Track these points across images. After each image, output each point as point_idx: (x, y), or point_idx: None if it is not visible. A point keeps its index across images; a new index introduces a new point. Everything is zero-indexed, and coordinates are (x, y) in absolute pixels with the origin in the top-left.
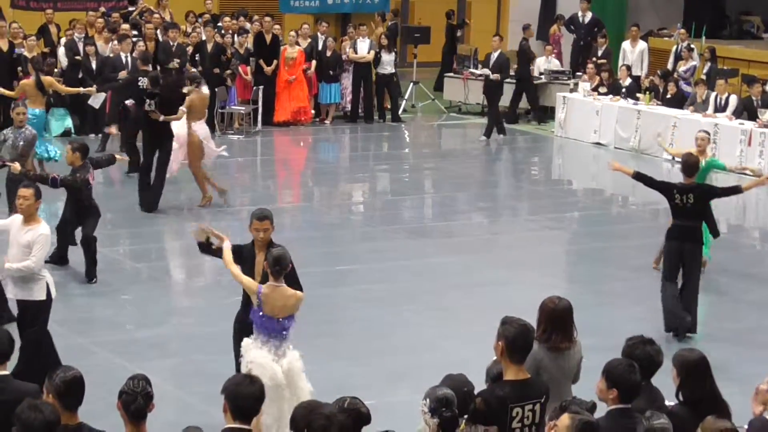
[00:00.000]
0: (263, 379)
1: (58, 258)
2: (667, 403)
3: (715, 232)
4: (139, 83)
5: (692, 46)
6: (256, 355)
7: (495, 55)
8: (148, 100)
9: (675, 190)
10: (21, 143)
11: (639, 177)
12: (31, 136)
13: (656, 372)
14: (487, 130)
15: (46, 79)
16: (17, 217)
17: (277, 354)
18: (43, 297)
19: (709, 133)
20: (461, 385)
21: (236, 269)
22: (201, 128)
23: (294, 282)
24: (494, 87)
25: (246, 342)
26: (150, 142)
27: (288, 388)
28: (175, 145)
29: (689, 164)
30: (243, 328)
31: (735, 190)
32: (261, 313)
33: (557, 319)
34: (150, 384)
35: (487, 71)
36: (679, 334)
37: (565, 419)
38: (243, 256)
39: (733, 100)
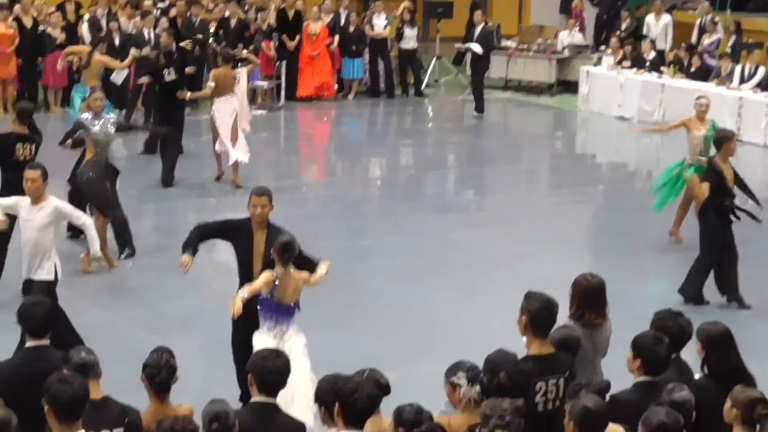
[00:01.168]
0: None
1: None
2: (696, 376)
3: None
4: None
5: (716, 19)
6: (259, 343)
7: (479, 29)
8: (167, 70)
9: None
10: (112, 130)
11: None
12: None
13: (685, 344)
14: (478, 106)
15: (98, 59)
16: (23, 200)
17: (282, 339)
18: (52, 277)
19: (709, 100)
20: (502, 362)
21: (251, 287)
22: (227, 105)
23: (308, 262)
24: (481, 61)
25: (255, 334)
26: (161, 116)
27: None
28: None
29: (717, 139)
30: (242, 331)
31: (755, 200)
32: (272, 300)
33: (591, 296)
34: (173, 357)
35: (473, 45)
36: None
37: (567, 405)
38: (239, 236)
39: (762, 71)
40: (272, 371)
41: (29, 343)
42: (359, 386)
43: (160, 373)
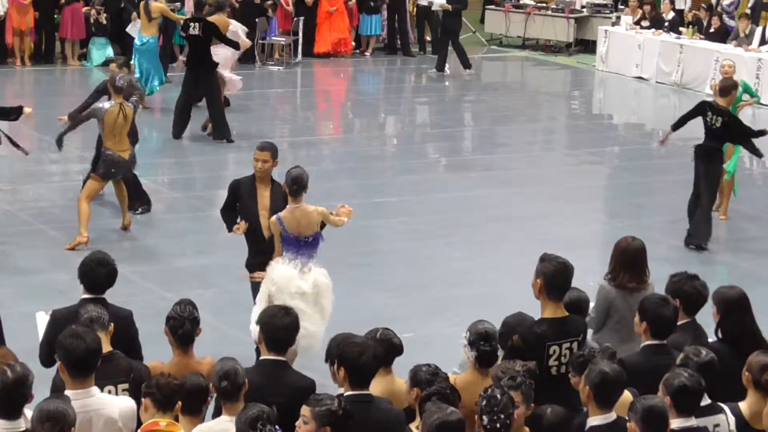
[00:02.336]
0: (287, 291)
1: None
2: (710, 340)
3: (757, 153)
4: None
5: None
6: (280, 270)
7: None
8: (192, 24)
9: (708, 108)
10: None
11: (678, 125)
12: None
13: (701, 307)
14: (464, 62)
15: (155, 6)
16: None
17: (302, 270)
18: None
19: (734, 62)
20: (517, 325)
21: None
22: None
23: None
24: (452, 18)
25: (271, 263)
26: (191, 71)
27: (312, 305)
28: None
29: (725, 86)
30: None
31: (761, 133)
32: (289, 235)
33: (628, 259)
34: (196, 308)
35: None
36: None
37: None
38: (240, 191)
39: None
40: (280, 329)
41: (85, 295)
42: (363, 348)
43: (183, 325)
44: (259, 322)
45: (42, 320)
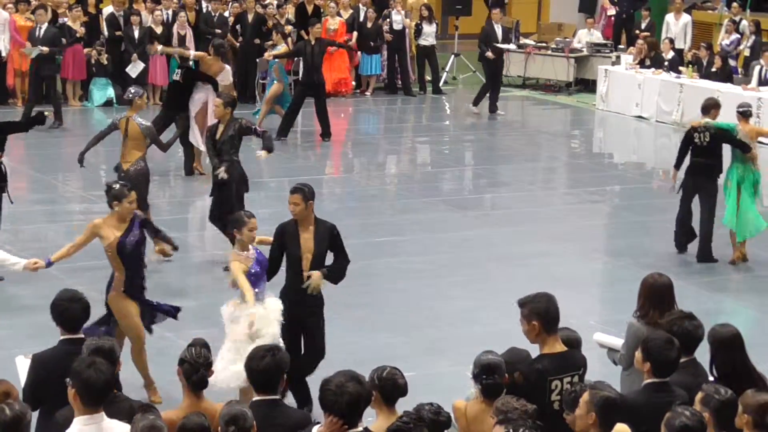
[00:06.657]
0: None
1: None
2: (710, 379)
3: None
4: None
5: (737, 19)
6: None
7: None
8: (177, 70)
9: (692, 131)
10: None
11: (679, 162)
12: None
13: (697, 347)
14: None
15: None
16: None
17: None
18: None
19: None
20: (516, 362)
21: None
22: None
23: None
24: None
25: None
26: (168, 112)
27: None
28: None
29: (707, 105)
30: None
31: (744, 147)
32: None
33: (656, 295)
34: (209, 350)
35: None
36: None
37: (585, 395)
38: (286, 238)
39: None
40: (260, 372)
41: (64, 336)
42: (339, 390)
43: (198, 371)
44: (245, 366)
45: (22, 364)
